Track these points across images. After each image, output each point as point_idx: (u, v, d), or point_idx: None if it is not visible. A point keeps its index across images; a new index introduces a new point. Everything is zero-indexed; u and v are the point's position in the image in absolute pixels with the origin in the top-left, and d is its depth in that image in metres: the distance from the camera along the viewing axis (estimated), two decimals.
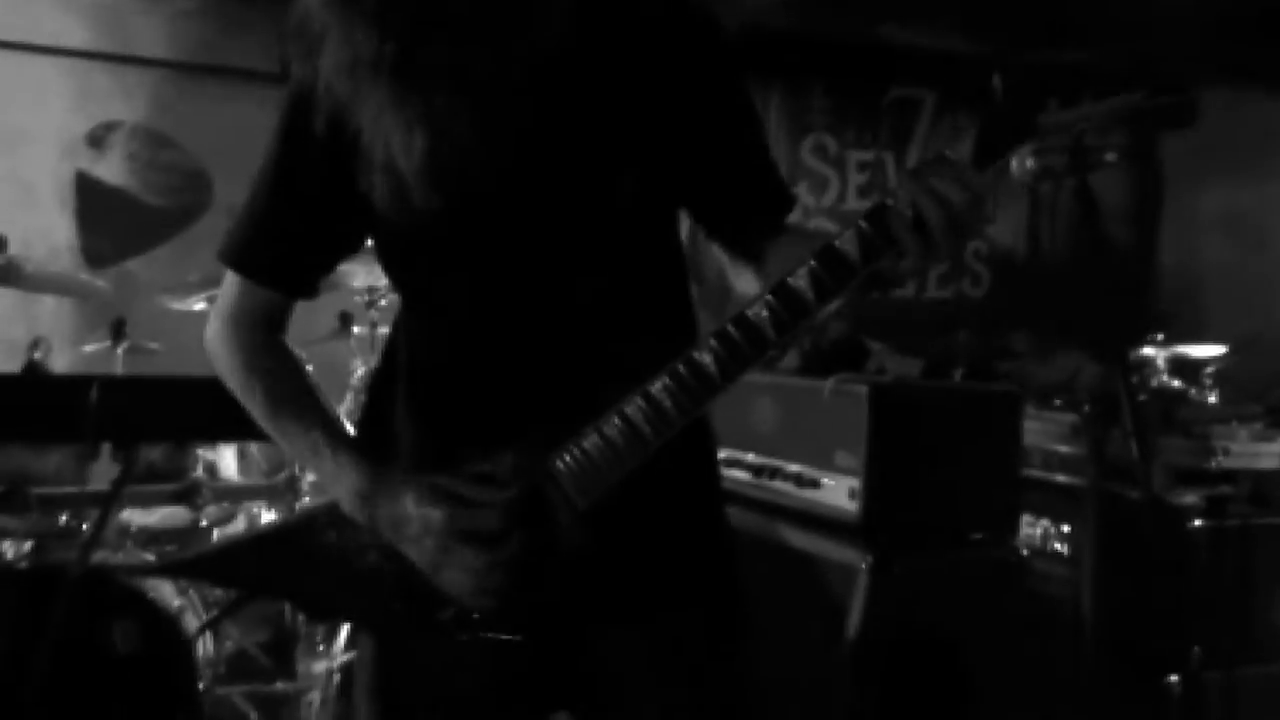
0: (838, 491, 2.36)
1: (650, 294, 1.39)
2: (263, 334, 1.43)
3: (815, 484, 2.42)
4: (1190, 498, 2.60)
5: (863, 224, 1.18)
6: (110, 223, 4.47)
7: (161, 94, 4.48)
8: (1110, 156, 1.62)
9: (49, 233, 4.35)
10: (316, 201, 1.35)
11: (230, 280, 1.42)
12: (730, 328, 1.22)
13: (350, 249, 1.45)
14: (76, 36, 4.37)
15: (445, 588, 1.30)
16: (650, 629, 1.37)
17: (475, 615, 1.34)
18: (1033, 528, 2.82)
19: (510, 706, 1.38)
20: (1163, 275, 5.88)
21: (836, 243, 1.19)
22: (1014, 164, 1.77)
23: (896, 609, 2.22)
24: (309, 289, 1.45)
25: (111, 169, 4.47)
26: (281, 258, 1.40)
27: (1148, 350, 3.29)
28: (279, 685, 3.18)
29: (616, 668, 1.39)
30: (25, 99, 4.32)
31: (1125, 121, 1.21)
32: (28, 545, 2.91)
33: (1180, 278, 5.74)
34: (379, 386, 1.48)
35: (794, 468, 2.49)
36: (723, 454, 2.76)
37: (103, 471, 2.99)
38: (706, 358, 1.22)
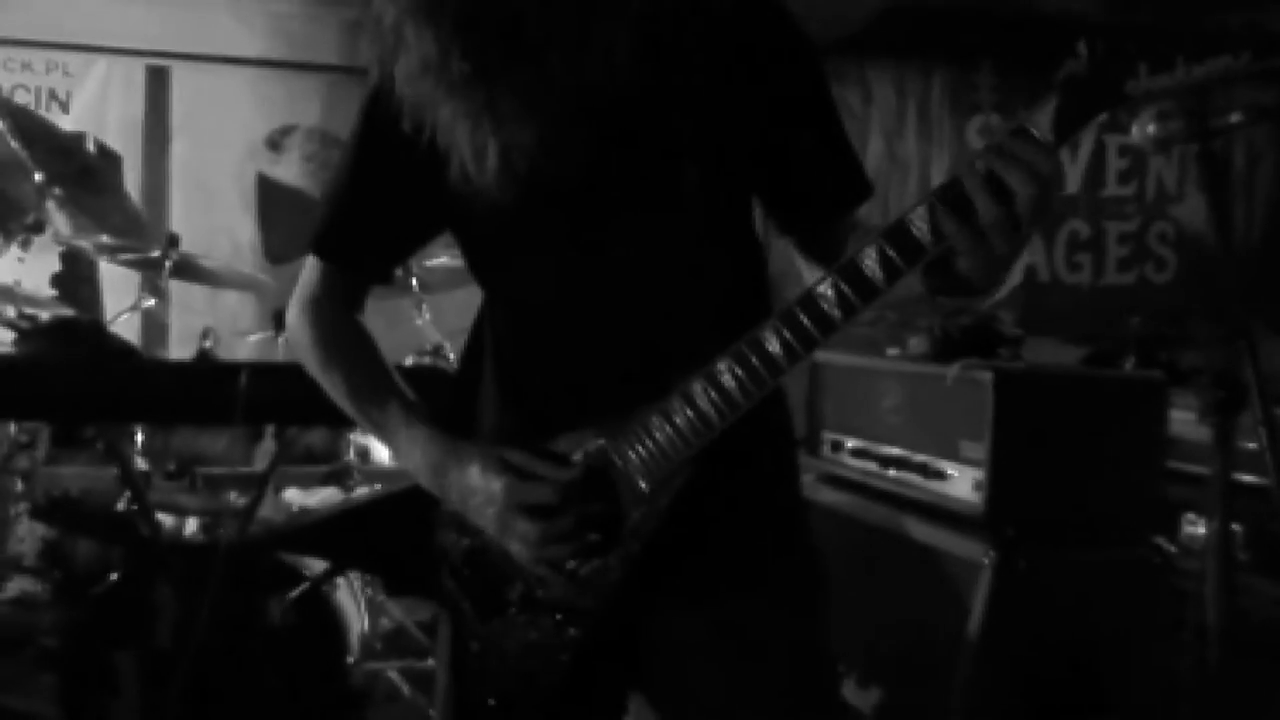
0: (963, 483, 2.25)
1: (725, 281, 1.38)
2: (341, 317, 1.49)
3: (941, 475, 2.32)
4: None
5: (935, 198, 1.13)
6: (288, 221, 4.73)
7: (333, 97, 4.71)
8: (1235, 118, 1.49)
9: (233, 231, 4.65)
10: (393, 192, 1.40)
11: (311, 265, 1.49)
12: (795, 308, 1.19)
13: (428, 238, 1.51)
14: (254, 46, 4.66)
15: (514, 558, 1.33)
16: (717, 612, 1.36)
17: (539, 594, 1.36)
18: (1194, 526, 2.60)
19: (582, 687, 1.39)
20: None
21: (906, 218, 1.14)
22: (1134, 130, 1.66)
23: (1022, 608, 2.10)
24: (385, 275, 1.54)
25: (289, 170, 4.74)
26: (359, 245, 1.46)
27: None
28: (432, 662, 3.29)
29: (683, 651, 1.38)
30: (210, 107, 4.64)
31: (1225, 85, 1.10)
32: (199, 522, 3.13)
33: None
34: (466, 368, 1.51)
35: (920, 458, 2.40)
36: (851, 443, 2.69)
37: (266, 453, 3.18)
38: (770, 338, 1.20)
